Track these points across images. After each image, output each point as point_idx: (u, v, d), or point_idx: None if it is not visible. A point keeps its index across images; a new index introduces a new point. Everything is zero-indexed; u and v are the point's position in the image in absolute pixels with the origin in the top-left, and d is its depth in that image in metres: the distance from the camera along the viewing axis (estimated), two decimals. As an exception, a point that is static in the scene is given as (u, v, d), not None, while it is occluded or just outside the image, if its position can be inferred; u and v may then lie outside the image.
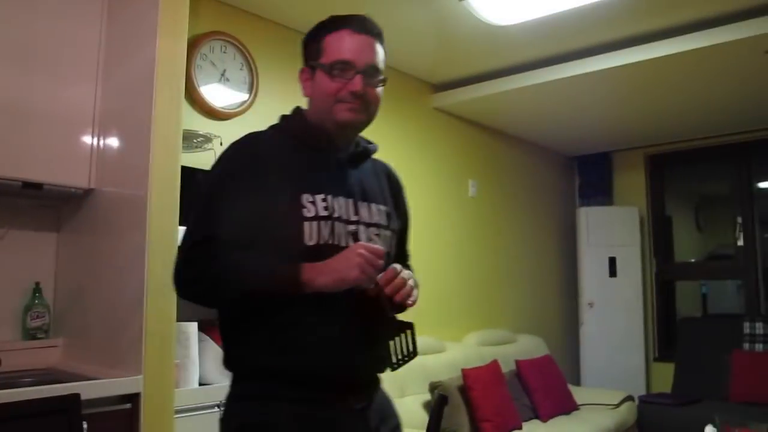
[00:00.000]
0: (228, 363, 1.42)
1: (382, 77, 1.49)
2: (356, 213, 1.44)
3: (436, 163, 4.50)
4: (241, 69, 3.21)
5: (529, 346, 4.68)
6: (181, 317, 2.59)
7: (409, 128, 4.28)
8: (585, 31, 3.59)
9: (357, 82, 1.43)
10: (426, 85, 4.46)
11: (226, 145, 2.88)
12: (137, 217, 2.15)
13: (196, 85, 2.98)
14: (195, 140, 2.78)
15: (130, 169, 2.23)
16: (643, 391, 5.20)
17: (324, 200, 1.39)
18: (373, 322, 1.35)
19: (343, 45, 1.45)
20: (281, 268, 1.31)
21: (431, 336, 4.02)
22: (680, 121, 5.00)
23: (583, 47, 3.80)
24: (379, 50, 1.49)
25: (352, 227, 1.42)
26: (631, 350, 5.37)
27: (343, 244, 1.39)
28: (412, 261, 1.70)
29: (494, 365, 3.85)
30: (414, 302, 1.37)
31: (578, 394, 4.56)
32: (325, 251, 1.35)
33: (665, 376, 5.18)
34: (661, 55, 3.58)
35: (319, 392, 1.34)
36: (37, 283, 2.43)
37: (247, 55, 3.23)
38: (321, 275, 1.29)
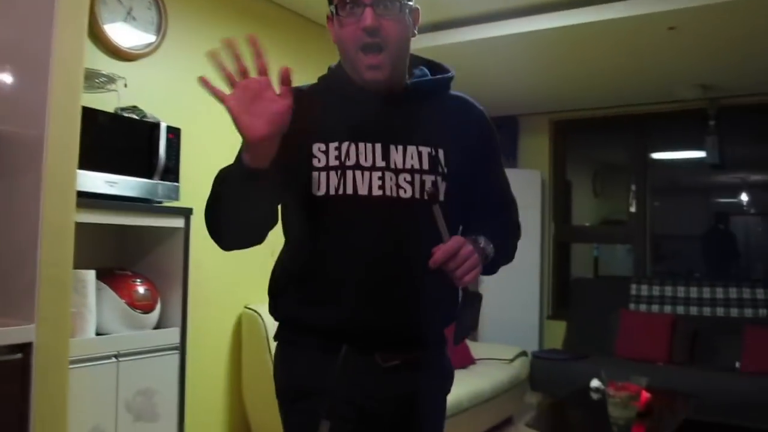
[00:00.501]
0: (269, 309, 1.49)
1: (403, 2, 1.32)
2: (385, 158, 1.34)
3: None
4: (149, 8, 3.05)
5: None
6: (79, 264, 2.49)
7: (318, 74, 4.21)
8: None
9: (368, 15, 1.28)
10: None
11: (130, 87, 2.75)
12: (33, 159, 2.02)
13: (100, 23, 2.82)
14: (97, 80, 2.64)
15: (27, 106, 2.09)
16: (536, 347, 5.45)
17: (337, 148, 1.34)
18: (423, 288, 1.34)
19: None
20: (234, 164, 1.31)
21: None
22: (585, 89, 5.16)
23: (495, 10, 3.83)
24: None
25: (377, 173, 1.33)
26: (528, 308, 5.60)
27: (362, 192, 1.32)
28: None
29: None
30: (471, 280, 1.29)
31: (475, 349, 4.74)
32: (337, 202, 1.32)
33: (558, 333, 5.45)
34: (571, 24, 3.67)
35: (338, 345, 1.35)
36: None
37: (156, -6, 3.07)
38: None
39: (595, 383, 3.76)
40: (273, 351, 3.51)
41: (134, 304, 2.59)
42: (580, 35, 3.84)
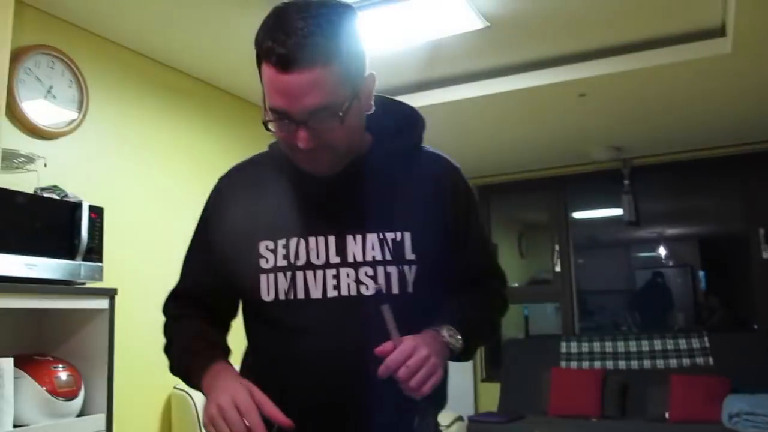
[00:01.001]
0: None
1: (342, 108, 1.08)
2: (340, 252, 1.17)
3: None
4: (69, 86, 3.02)
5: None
6: (-6, 353, 2.38)
7: (248, 155, 4.22)
8: (433, 64, 3.76)
9: (302, 138, 1.08)
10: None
11: (50, 167, 2.69)
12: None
13: (18, 101, 2.77)
14: (15, 160, 2.57)
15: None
16: (472, 411, 5.45)
17: (285, 246, 1.19)
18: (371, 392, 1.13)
19: (272, 88, 1.07)
20: (194, 363, 1.20)
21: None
22: (506, 153, 5.36)
23: (417, 81, 3.97)
24: (328, 77, 1.05)
25: (331, 272, 1.16)
26: (461, 371, 5.61)
27: (315, 295, 1.16)
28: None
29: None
30: (428, 390, 1.07)
31: (412, 416, 4.69)
32: (290, 307, 1.18)
33: (492, 395, 5.47)
34: (488, 94, 3.84)
35: None
36: None
37: (77, 72, 3.04)
38: (209, 392, 1.11)
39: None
40: (205, 432, 3.39)
41: (56, 391, 2.46)
42: (497, 104, 4.01)
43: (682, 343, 5.11)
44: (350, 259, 1.17)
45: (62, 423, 2.48)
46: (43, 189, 2.63)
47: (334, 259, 1.17)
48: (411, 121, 1.32)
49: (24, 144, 2.74)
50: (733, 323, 7.09)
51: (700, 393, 4.63)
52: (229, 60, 3.58)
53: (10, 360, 2.36)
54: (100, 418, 2.62)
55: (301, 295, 1.17)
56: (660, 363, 5.11)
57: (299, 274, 1.17)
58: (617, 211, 5.74)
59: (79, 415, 2.58)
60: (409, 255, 1.18)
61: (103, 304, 2.67)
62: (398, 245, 1.17)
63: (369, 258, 1.16)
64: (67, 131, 2.98)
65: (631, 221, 5.38)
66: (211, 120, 3.94)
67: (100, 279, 2.67)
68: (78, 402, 2.56)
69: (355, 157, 1.20)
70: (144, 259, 3.36)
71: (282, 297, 1.18)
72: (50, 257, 2.47)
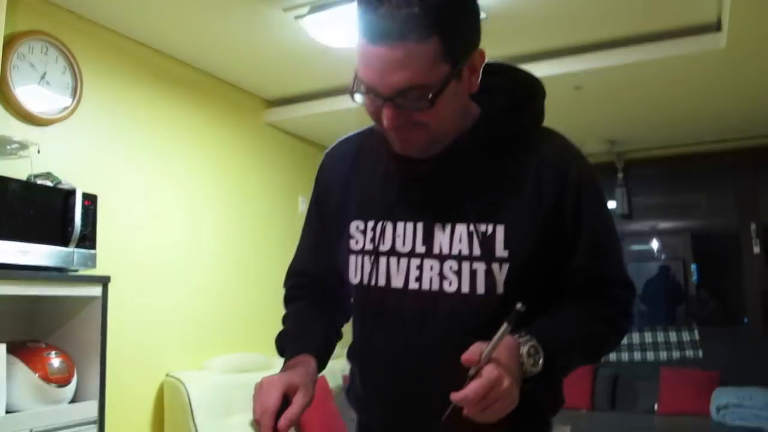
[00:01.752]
0: None
1: (434, 90, 0.97)
2: (426, 241, 1.09)
3: (266, 179, 4.47)
4: (63, 72, 3.01)
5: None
6: (-14, 339, 2.39)
7: (241, 143, 4.22)
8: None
9: (387, 116, 1.00)
10: (259, 100, 4.42)
11: (44, 153, 2.69)
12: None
13: (12, 87, 2.75)
14: (9, 146, 2.57)
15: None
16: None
17: (373, 228, 1.13)
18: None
19: (360, 58, 0.99)
20: (285, 350, 1.19)
21: (261, 352, 3.98)
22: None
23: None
24: (421, 54, 0.94)
25: (416, 261, 1.09)
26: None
27: (396, 284, 1.10)
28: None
29: (320, 380, 3.88)
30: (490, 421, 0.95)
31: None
32: (371, 293, 1.13)
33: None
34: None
35: None
36: None
37: (71, 58, 3.03)
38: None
39: None
40: (196, 419, 3.42)
41: (48, 377, 2.47)
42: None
43: (672, 336, 5.15)
44: (436, 251, 1.08)
45: (55, 409, 2.49)
46: (36, 176, 2.62)
47: (420, 248, 1.09)
48: (528, 93, 1.16)
49: (17, 130, 2.74)
50: (724, 316, 7.15)
51: (689, 386, 4.67)
52: (223, 47, 3.56)
53: (3, 346, 2.36)
54: (92, 405, 2.64)
55: (382, 282, 1.12)
56: (650, 355, 5.15)
57: (382, 260, 1.12)
58: (610, 204, 5.76)
59: (71, 402, 2.59)
60: (501, 252, 1.05)
61: (96, 291, 2.67)
62: (488, 239, 1.06)
63: (455, 251, 1.07)
64: (60, 118, 2.97)
65: (624, 214, 5.39)
66: (206, 107, 3.93)
67: (94, 266, 2.67)
68: (71, 389, 2.56)
69: (455, 138, 1.08)
70: (137, 246, 3.36)
71: (365, 281, 1.14)
72: (44, 244, 2.47)
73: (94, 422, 2.62)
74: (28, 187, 2.52)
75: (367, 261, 1.13)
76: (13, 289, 2.33)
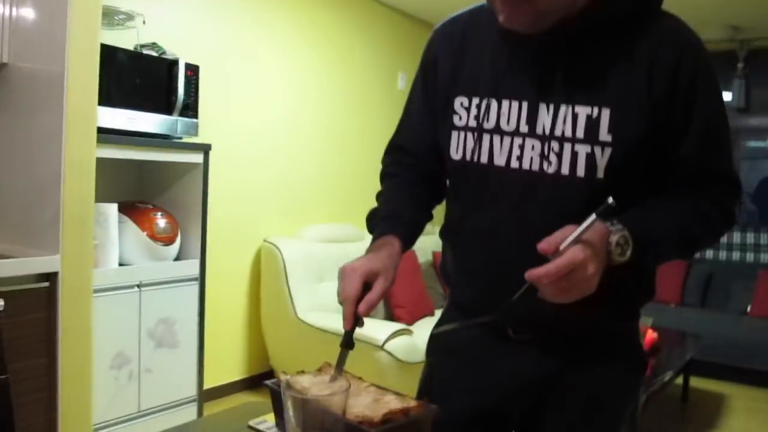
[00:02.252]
0: None
1: None
2: (530, 120, 1.08)
3: (368, 54, 4.46)
4: (168, -59, 3.04)
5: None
6: (101, 198, 2.59)
7: (345, 17, 4.20)
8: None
9: None
10: (363, -27, 4.34)
11: (149, 24, 2.75)
12: (54, 95, 2.08)
13: (119, -44, 2.82)
14: (116, 17, 2.67)
15: (47, 43, 2.14)
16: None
17: (478, 106, 1.12)
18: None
19: None
20: (374, 228, 1.21)
21: (355, 224, 4.13)
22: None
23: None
24: None
25: (518, 140, 1.08)
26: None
27: (498, 163, 1.10)
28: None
29: (410, 255, 4.00)
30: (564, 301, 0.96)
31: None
32: (473, 171, 1.13)
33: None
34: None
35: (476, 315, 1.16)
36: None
37: (175, -73, 3.05)
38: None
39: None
40: (290, 282, 3.60)
41: (155, 236, 2.69)
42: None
43: (777, 238, 4.95)
44: (539, 131, 1.07)
45: (161, 265, 2.72)
46: (142, 46, 2.73)
47: (524, 127, 1.08)
48: None
49: (124, 1, 2.82)
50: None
51: (787, 290, 4.53)
52: None
53: (114, 205, 2.57)
54: (194, 264, 2.86)
55: (484, 159, 1.11)
56: (749, 257, 4.99)
57: (486, 137, 1.11)
58: (726, 96, 5.41)
59: (176, 260, 2.82)
60: (604, 135, 1.03)
61: (198, 158, 2.83)
62: (593, 122, 1.03)
63: (558, 132, 1.05)
64: (166, -12, 3.03)
65: (740, 108, 5.07)
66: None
67: (196, 134, 2.81)
68: (175, 247, 2.78)
69: (567, 16, 1.04)
70: (238, 117, 3.48)
71: (468, 158, 1.13)
72: (149, 112, 2.61)
73: (195, 279, 2.85)
74: (134, 56, 2.63)
75: (470, 138, 1.13)
76: (121, 153, 2.50)
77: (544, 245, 0.95)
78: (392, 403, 1.05)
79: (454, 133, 1.15)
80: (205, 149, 2.83)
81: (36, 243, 2.14)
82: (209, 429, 1.11)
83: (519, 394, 1.18)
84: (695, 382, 4.31)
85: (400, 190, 1.28)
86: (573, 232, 0.94)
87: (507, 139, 1.09)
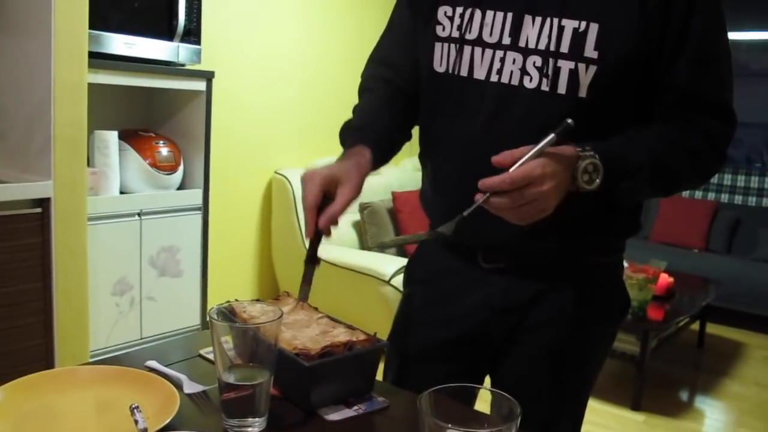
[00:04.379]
0: None
1: None
2: (513, 33, 1.03)
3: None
4: None
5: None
6: (102, 126, 2.57)
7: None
8: None
9: None
10: None
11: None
12: (42, 17, 2.03)
13: None
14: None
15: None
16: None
17: (461, 15, 1.08)
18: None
19: None
20: (347, 138, 1.18)
21: (368, 161, 4.07)
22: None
23: None
24: None
25: (500, 53, 1.04)
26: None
27: (478, 76, 1.06)
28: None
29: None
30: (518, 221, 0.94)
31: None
32: (453, 83, 1.10)
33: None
34: None
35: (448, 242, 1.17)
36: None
37: None
38: None
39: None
40: (299, 215, 3.59)
41: (157, 165, 2.66)
42: None
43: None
44: (521, 43, 1.02)
45: (163, 194, 2.71)
46: (144, -33, 2.65)
47: (506, 39, 1.04)
48: None
49: None
50: None
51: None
52: None
53: (115, 133, 2.55)
54: (197, 193, 2.84)
55: (464, 71, 1.08)
56: (781, 202, 4.83)
57: (467, 49, 1.07)
58: (769, 34, 5.14)
59: (179, 189, 2.80)
60: (590, 51, 0.98)
61: (200, 86, 2.77)
62: (579, 37, 0.98)
63: (541, 46, 1.01)
64: None
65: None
66: None
67: (198, 61, 2.75)
68: (177, 176, 2.76)
69: None
70: (242, 43, 3.40)
71: (450, 70, 1.10)
72: (149, 37, 2.55)
73: (198, 209, 2.84)
74: (133, -22, 2.55)
75: (453, 49, 1.09)
76: (119, 79, 2.45)
77: (500, 157, 0.92)
78: (340, 336, 1.01)
79: (438, 45, 1.11)
80: (208, 76, 2.77)
81: (29, 168, 2.13)
82: (162, 355, 1.09)
83: (489, 324, 1.16)
84: (713, 329, 4.24)
85: (379, 103, 1.24)
86: (532, 150, 0.91)
87: (489, 52, 1.05)
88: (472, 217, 0.95)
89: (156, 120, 2.90)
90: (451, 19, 1.09)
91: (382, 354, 1.02)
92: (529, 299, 1.13)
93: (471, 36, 1.07)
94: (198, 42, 2.73)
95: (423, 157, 1.24)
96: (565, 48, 0.99)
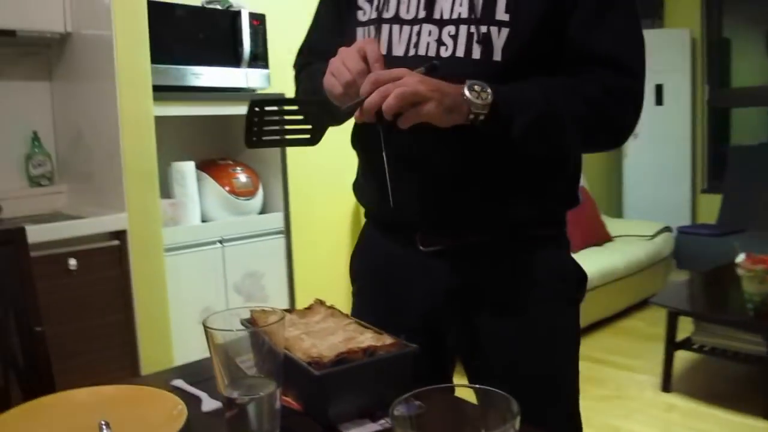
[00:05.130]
0: None
1: None
2: (428, 6, 1.05)
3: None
4: None
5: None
6: (181, 157, 2.63)
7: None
8: None
9: None
10: None
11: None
12: (105, 59, 2.11)
13: None
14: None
15: (96, 9, 2.16)
16: (688, 223, 5.07)
17: None
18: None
19: None
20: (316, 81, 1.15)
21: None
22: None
23: None
24: None
25: (416, 28, 1.06)
26: (677, 182, 5.17)
27: (397, 53, 1.07)
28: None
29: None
30: (375, 106, 0.93)
31: (615, 225, 4.50)
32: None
33: (713, 208, 5.01)
34: None
35: (382, 224, 1.20)
36: (35, 132, 2.46)
37: None
38: None
39: (741, 258, 3.45)
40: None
41: (235, 191, 2.69)
42: None
43: None
44: (436, 15, 1.04)
45: (244, 219, 2.73)
46: (208, 2, 2.71)
47: (422, 13, 1.06)
48: None
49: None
50: None
51: None
52: None
53: (191, 163, 2.60)
54: (278, 217, 2.84)
55: (384, 50, 1.07)
56: None
57: (385, 28, 1.08)
58: None
59: (260, 213, 2.82)
60: (501, 14, 1.00)
61: (272, 110, 2.78)
62: (490, 2, 1.01)
63: (455, 15, 1.02)
64: (233, -60, 2.99)
65: None
66: None
67: (268, 85, 2.76)
68: (257, 201, 2.78)
69: None
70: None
71: None
72: (216, 66, 2.59)
73: (281, 232, 2.84)
74: (194, 11, 2.60)
75: (372, 31, 1.10)
76: (189, 110, 2.50)
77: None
78: (364, 342, 0.93)
79: (360, 30, 1.12)
80: (279, 100, 2.78)
81: (105, 202, 2.20)
82: (195, 372, 1.05)
83: (438, 311, 1.13)
84: None
85: (316, 74, 1.19)
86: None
87: (406, 29, 1.07)
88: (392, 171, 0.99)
89: (234, 148, 2.94)
90: (371, 2, 1.11)
91: (411, 359, 0.93)
92: (475, 282, 1.10)
93: (388, 14, 1.08)
94: (266, 66, 2.75)
95: (354, 144, 1.23)
96: (477, 13, 1.01)
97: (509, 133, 0.99)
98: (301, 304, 2.88)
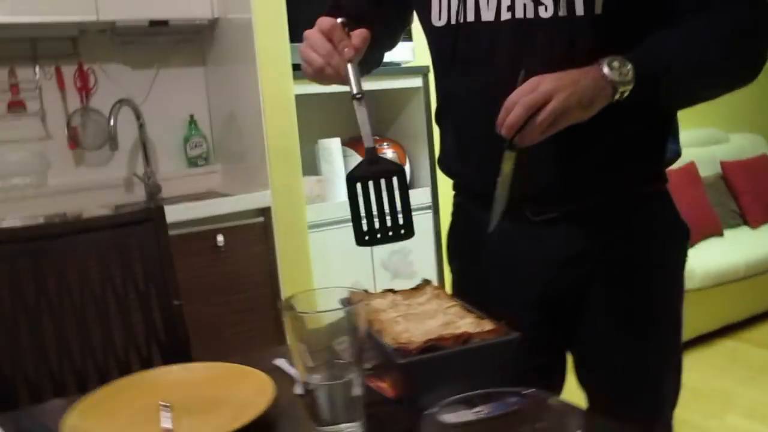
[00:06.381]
0: None
1: None
2: None
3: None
4: None
5: (743, 146, 4.05)
6: (328, 134, 2.65)
7: None
8: None
9: None
10: None
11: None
12: (246, 42, 2.17)
13: None
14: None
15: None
16: None
17: None
18: None
19: None
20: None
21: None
22: None
23: None
24: None
25: None
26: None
27: (487, 17, 0.99)
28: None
29: (688, 167, 3.44)
30: (528, 139, 0.90)
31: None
32: (461, 33, 1.03)
33: None
34: None
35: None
36: (192, 116, 2.58)
37: None
38: None
39: None
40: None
41: (382, 167, 2.67)
42: None
43: None
44: None
45: (390, 195, 2.70)
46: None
47: None
48: None
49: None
50: None
51: None
52: None
53: (337, 140, 2.62)
54: (425, 192, 2.79)
55: (471, 17, 1.00)
56: None
57: None
58: None
59: (407, 189, 2.78)
60: None
61: (417, 82, 2.74)
62: None
63: None
64: None
65: None
66: None
67: (412, 58, 2.70)
68: (403, 177, 2.74)
69: None
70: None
71: (453, 21, 1.03)
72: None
73: (428, 207, 2.79)
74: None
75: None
76: (327, 87, 2.49)
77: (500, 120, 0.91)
78: (461, 328, 0.85)
79: None
80: (423, 72, 2.71)
81: (251, 181, 2.27)
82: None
83: (553, 282, 1.07)
84: None
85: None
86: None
87: None
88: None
89: (381, 123, 2.93)
90: None
91: (510, 348, 0.83)
92: (587, 247, 1.05)
93: None
94: (409, 38, 2.68)
95: (440, 119, 1.17)
96: None
97: (656, 98, 0.95)
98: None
